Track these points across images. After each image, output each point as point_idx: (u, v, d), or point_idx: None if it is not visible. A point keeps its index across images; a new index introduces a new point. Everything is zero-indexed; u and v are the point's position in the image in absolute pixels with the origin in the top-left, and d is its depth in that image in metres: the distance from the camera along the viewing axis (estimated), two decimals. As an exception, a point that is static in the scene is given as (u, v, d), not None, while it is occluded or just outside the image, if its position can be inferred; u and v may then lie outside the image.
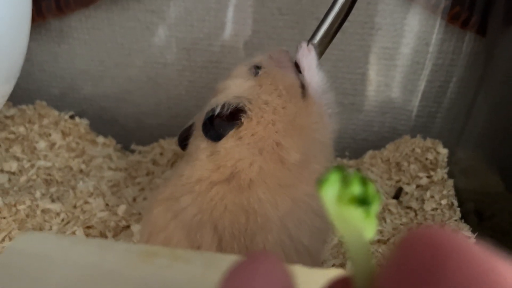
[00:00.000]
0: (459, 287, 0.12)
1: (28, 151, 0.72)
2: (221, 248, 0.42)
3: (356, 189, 0.15)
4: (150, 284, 0.22)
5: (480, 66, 0.70)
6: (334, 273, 0.25)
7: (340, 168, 0.15)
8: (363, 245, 0.15)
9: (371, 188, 0.15)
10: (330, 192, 0.15)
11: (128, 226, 0.61)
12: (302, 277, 0.19)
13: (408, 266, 0.13)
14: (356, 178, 0.15)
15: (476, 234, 0.58)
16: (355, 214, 0.15)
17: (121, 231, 0.61)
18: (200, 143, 0.47)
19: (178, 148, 0.76)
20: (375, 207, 0.15)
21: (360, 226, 0.15)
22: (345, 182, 0.15)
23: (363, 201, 0.15)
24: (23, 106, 0.79)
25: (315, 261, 0.46)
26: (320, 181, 0.15)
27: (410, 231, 0.14)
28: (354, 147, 0.80)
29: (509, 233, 0.55)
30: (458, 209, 0.63)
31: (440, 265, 0.13)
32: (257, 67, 0.50)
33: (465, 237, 0.14)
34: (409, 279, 0.13)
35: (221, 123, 0.45)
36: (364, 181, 0.15)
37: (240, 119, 0.46)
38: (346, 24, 0.56)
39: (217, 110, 0.45)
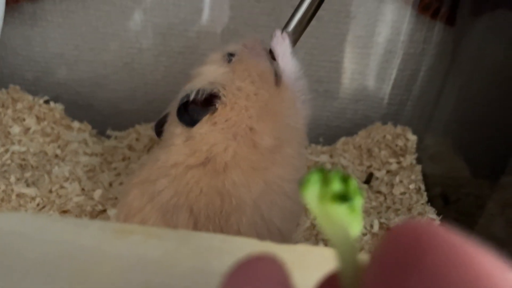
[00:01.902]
0: (439, 276, 0.12)
1: (2, 135, 0.71)
2: (196, 229, 0.43)
3: (336, 186, 0.15)
4: (125, 260, 0.23)
5: (448, 55, 0.72)
6: (300, 249, 0.26)
7: (320, 169, 0.16)
8: (349, 242, 0.16)
9: (353, 184, 0.15)
10: (312, 192, 0.15)
11: (104, 211, 0.62)
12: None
13: (390, 259, 0.14)
14: (336, 175, 0.15)
15: (441, 217, 0.61)
16: (339, 211, 0.15)
17: (97, 215, 0.61)
18: (175, 129, 0.48)
19: (154, 134, 0.76)
20: (358, 202, 0.15)
21: (345, 223, 0.15)
22: (326, 181, 0.15)
23: (344, 197, 0.15)
24: (-4, 90, 0.78)
25: (287, 242, 0.48)
26: (301, 183, 0.16)
27: (393, 226, 0.15)
28: (328, 134, 0.82)
29: (473, 216, 0.57)
30: (425, 193, 0.66)
31: (420, 256, 0.13)
32: (231, 55, 0.51)
33: (447, 229, 0.14)
34: (391, 271, 0.13)
35: (196, 108, 0.46)
36: (344, 178, 0.15)
37: (214, 104, 0.47)
38: (321, 12, 0.57)
39: (192, 96, 0.46)
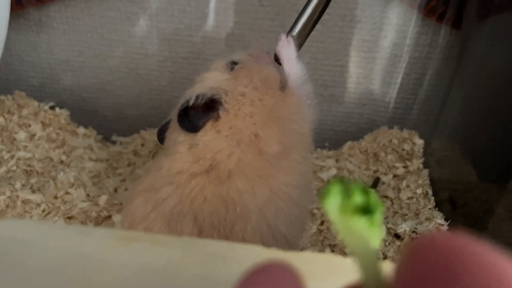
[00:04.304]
0: None
1: (7, 141, 0.71)
2: (201, 237, 0.43)
3: (358, 198, 0.15)
4: (129, 268, 0.23)
5: (454, 59, 0.72)
6: (307, 256, 0.26)
7: (341, 179, 0.16)
8: (371, 253, 0.15)
9: (373, 197, 0.15)
10: (333, 203, 0.15)
11: (109, 216, 0.62)
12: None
13: (421, 275, 0.13)
14: (357, 188, 0.15)
15: (449, 221, 0.60)
16: (360, 223, 0.15)
17: (102, 221, 0.61)
18: (177, 137, 0.48)
19: (159, 140, 0.76)
20: (378, 215, 0.15)
21: (366, 235, 0.15)
22: (347, 192, 0.15)
23: (366, 210, 0.15)
24: (2, 97, 0.78)
25: (293, 249, 0.47)
26: (322, 194, 0.15)
27: (420, 238, 0.14)
28: (333, 138, 0.82)
29: (481, 221, 0.57)
30: (433, 197, 0.65)
31: (455, 273, 0.13)
32: (234, 63, 0.50)
33: (477, 241, 0.13)
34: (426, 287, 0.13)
35: (196, 114, 0.46)
36: (365, 190, 0.15)
37: (216, 110, 0.46)
38: (326, 16, 0.57)
39: (192, 101, 0.46)
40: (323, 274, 0.24)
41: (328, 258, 0.26)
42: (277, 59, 0.54)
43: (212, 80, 0.49)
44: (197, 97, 0.46)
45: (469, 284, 0.12)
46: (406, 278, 0.14)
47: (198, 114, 0.46)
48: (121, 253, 0.23)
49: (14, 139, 0.72)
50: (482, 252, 0.13)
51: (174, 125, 0.49)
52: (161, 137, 0.53)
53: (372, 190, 0.15)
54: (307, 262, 0.25)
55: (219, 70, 0.50)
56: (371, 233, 0.15)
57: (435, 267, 0.13)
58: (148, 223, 0.44)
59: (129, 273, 0.22)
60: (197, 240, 0.25)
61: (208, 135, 0.46)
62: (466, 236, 0.14)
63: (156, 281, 0.22)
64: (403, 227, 0.58)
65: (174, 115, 0.49)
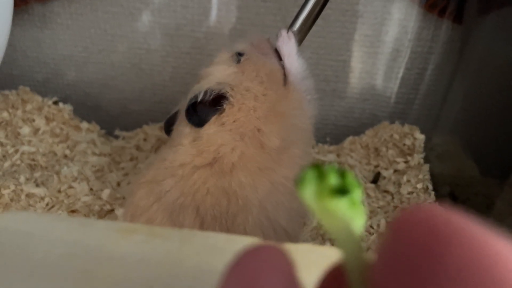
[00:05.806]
0: (464, 272, 0.12)
1: (11, 136, 0.72)
2: (203, 229, 0.44)
3: (332, 180, 0.15)
4: (129, 259, 0.23)
5: (456, 53, 0.72)
6: (303, 248, 0.27)
7: (315, 166, 0.15)
8: (353, 236, 0.15)
9: (349, 177, 0.15)
10: (309, 190, 0.15)
11: (112, 210, 0.62)
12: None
13: (404, 252, 0.13)
14: (331, 170, 0.15)
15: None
16: (339, 205, 0.15)
17: (105, 214, 0.62)
18: (183, 129, 0.48)
19: (161, 134, 0.77)
20: (357, 195, 0.15)
21: (347, 217, 0.15)
22: (322, 176, 0.15)
23: (342, 191, 0.15)
24: (6, 92, 0.79)
25: (294, 242, 0.48)
26: (297, 182, 0.15)
27: (402, 213, 0.14)
28: (335, 133, 0.82)
29: (482, 216, 0.57)
30: (433, 192, 0.65)
31: (438, 251, 0.12)
32: (239, 54, 0.51)
33: (458, 214, 0.13)
34: (407, 266, 0.12)
35: (204, 109, 0.46)
36: (341, 172, 0.15)
37: (223, 105, 0.47)
38: (327, 11, 0.57)
39: (200, 97, 0.47)
40: (319, 266, 0.24)
41: (325, 250, 0.26)
42: (278, 55, 0.54)
43: (219, 74, 0.49)
44: (206, 92, 0.47)
45: (454, 263, 0.12)
46: (387, 257, 0.13)
47: (206, 109, 0.46)
48: (122, 245, 0.24)
49: (18, 133, 0.73)
50: (468, 228, 0.12)
51: (182, 118, 0.49)
52: (168, 129, 0.53)
53: (348, 171, 0.15)
54: (304, 254, 0.25)
55: (225, 63, 0.50)
56: (352, 213, 0.15)
57: (417, 245, 0.13)
58: (150, 215, 0.45)
59: (128, 265, 0.23)
60: (196, 233, 0.25)
61: (212, 128, 0.46)
62: (450, 210, 0.13)
63: (155, 273, 0.22)
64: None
65: (182, 107, 0.50)
